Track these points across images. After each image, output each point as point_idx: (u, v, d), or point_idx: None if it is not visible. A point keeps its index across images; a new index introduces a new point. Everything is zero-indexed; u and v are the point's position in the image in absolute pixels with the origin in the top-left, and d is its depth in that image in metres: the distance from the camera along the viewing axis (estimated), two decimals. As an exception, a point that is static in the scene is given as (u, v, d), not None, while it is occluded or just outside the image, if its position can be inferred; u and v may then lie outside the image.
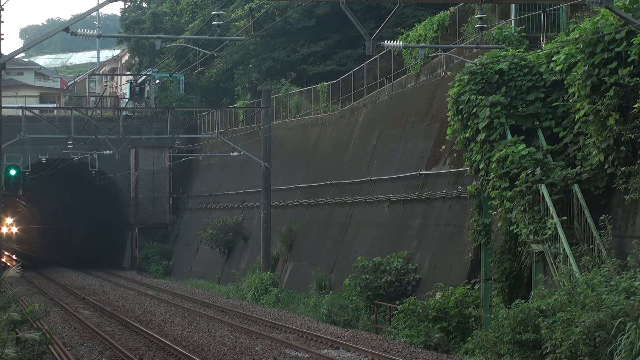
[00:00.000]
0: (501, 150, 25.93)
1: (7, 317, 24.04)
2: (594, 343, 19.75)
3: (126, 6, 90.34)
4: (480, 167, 26.96)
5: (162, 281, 62.45)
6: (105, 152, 60.78)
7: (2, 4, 27.39)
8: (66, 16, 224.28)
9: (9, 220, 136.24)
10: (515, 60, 27.13)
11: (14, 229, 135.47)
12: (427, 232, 34.65)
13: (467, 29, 35.00)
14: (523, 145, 25.71)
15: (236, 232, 56.76)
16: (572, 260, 22.85)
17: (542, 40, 30.77)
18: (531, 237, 24.58)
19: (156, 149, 71.19)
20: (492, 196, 26.40)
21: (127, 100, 75.17)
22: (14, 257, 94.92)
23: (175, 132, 59.00)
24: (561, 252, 23.42)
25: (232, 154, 54.99)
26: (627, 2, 22.71)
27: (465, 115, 27.53)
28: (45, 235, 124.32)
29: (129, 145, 68.46)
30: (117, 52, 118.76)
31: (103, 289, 55.20)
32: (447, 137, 30.87)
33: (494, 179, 26.09)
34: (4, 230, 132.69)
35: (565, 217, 23.97)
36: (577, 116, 24.79)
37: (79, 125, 59.70)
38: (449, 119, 28.85)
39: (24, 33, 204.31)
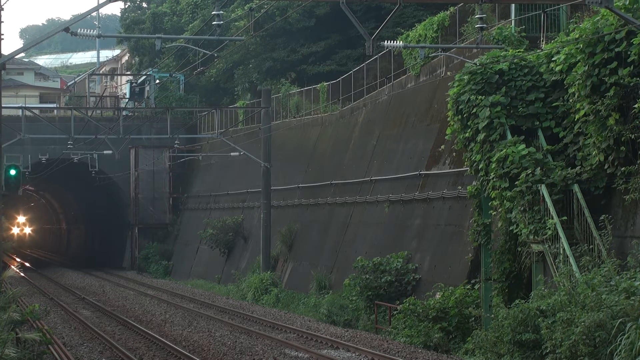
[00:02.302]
0: (501, 150, 25.93)
1: (7, 317, 24.06)
2: (594, 343, 19.75)
3: (126, 6, 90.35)
4: (480, 167, 26.95)
5: (162, 281, 62.43)
6: (105, 152, 60.80)
7: (2, 4, 27.40)
8: (66, 16, 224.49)
9: (21, 219, 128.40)
10: (515, 60, 27.13)
11: (27, 230, 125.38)
12: (427, 232, 34.65)
13: (467, 29, 34.99)
14: (523, 145, 25.71)
15: (236, 232, 56.75)
16: (572, 260, 22.85)
17: (542, 40, 30.76)
18: (531, 237, 24.58)
19: (156, 149, 71.19)
20: (492, 196, 26.39)
21: (127, 100, 75.16)
22: (26, 264, 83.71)
23: (175, 132, 59.01)
24: (561, 252, 23.42)
25: (232, 154, 54.99)
26: (627, 2, 22.71)
27: (465, 115, 27.53)
28: (56, 235, 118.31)
29: (129, 145, 68.48)
30: (117, 52, 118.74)
31: (103, 289, 55.19)
32: (447, 137, 30.87)
33: (494, 179, 26.09)
34: (15, 231, 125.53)
35: (565, 217, 23.97)
36: (577, 116, 24.79)
37: (79, 125, 59.72)
38: (448, 119, 28.85)
39: (24, 33, 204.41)
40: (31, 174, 70.64)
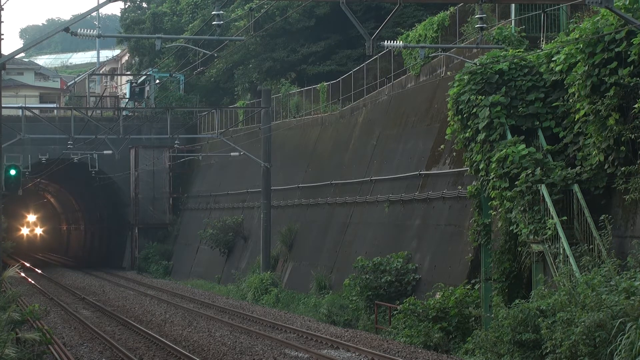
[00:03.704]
0: (501, 150, 25.93)
1: (7, 317, 24.05)
2: (594, 343, 19.75)
3: (126, 6, 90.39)
4: (480, 167, 26.95)
5: (162, 281, 62.43)
6: (105, 152, 60.83)
7: (2, 4, 27.40)
8: (66, 16, 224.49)
9: (31, 217, 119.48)
10: (515, 60, 27.13)
11: (38, 230, 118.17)
12: (427, 232, 34.65)
13: (467, 29, 34.99)
14: (523, 145, 25.71)
15: (236, 232, 56.75)
16: (572, 260, 22.85)
17: (542, 40, 30.76)
18: (531, 237, 24.59)
19: (156, 149, 71.23)
20: (492, 196, 26.39)
21: (127, 100, 75.18)
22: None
23: (175, 132, 59.02)
24: (561, 252, 23.43)
25: (232, 154, 55.00)
26: (627, 2, 22.71)
27: (465, 115, 27.53)
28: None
29: (129, 145, 68.51)
30: (117, 52, 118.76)
31: (103, 289, 55.19)
32: (447, 137, 30.86)
33: (494, 179, 26.09)
34: (25, 231, 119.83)
35: (565, 217, 23.97)
36: (577, 116, 24.80)
37: (79, 125, 59.74)
38: (448, 119, 28.85)
39: (24, 33, 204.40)
40: (31, 174, 70.63)
